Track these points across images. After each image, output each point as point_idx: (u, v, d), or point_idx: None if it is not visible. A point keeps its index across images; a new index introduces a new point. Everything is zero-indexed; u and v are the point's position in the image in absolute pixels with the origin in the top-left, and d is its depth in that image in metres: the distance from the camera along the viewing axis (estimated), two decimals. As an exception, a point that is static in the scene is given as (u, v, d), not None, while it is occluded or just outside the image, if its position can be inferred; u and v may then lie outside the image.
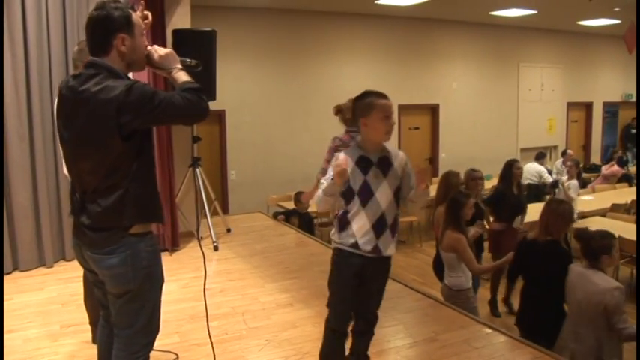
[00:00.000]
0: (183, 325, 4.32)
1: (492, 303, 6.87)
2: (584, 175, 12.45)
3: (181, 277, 5.43)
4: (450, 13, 11.74)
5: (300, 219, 8.07)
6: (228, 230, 7.28)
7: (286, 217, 8.15)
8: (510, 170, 7.34)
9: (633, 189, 11.24)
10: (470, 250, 4.85)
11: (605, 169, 12.07)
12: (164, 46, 6.12)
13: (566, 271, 4.19)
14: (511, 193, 7.13)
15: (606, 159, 13.84)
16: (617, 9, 10.81)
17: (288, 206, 8.66)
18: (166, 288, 5.11)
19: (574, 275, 4.10)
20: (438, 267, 5.57)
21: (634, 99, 16.63)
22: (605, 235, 4.12)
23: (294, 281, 5.43)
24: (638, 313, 3.04)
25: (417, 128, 12.38)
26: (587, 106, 15.63)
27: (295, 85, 10.67)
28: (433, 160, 12.65)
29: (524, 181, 10.84)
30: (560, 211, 4.43)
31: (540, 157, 11.27)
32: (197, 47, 6.40)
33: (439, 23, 12.30)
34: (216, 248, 6.45)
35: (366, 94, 3.15)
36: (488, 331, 4.34)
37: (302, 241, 7.08)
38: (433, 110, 12.55)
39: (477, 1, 10.26)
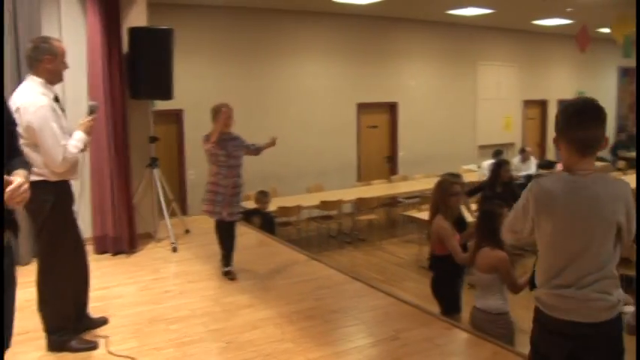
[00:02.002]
0: (141, 329, 4.25)
1: None
2: (541, 171, 12.64)
3: (140, 280, 5.35)
4: (408, 12, 11.79)
5: (261, 219, 8.02)
6: (187, 231, 7.19)
7: (247, 216, 8.09)
8: (498, 170, 7.44)
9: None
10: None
11: (560, 166, 12.27)
12: (119, 45, 6.07)
13: None
14: (492, 190, 7.22)
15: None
16: (569, 9, 10.98)
17: (249, 206, 8.59)
18: (124, 291, 5.07)
19: None
20: (438, 285, 4.98)
21: (587, 96, 16.90)
22: None
23: (255, 282, 5.39)
24: (638, 312, 2.99)
25: (375, 126, 12.40)
26: (543, 104, 15.87)
27: (254, 84, 10.59)
28: (392, 159, 12.69)
29: (482, 178, 10.98)
30: None
31: (498, 154, 11.38)
32: (154, 46, 6.32)
33: (397, 22, 12.35)
34: (174, 250, 6.37)
35: None
36: (450, 328, 4.36)
37: (263, 241, 7.04)
38: (392, 108, 12.59)
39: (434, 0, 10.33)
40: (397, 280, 8.11)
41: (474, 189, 8.23)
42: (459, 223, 4.94)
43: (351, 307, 4.83)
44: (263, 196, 8.26)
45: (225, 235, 5.55)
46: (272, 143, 5.79)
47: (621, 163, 15.70)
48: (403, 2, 10.43)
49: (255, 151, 5.71)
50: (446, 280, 4.82)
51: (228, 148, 5.37)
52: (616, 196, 2.78)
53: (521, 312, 4.15)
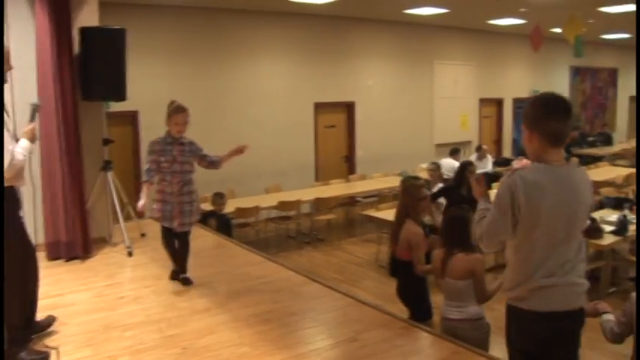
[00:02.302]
0: (95, 337, 4.16)
1: None
2: (497, 169, 12.80)
3: (94, 286, 5.24)
4: (365, 12, 11.82)
5: (217, 221, 7.94)
6: (143, 235, 7.07)
7: (203, 219, 8.00)
8: (463, 172, 7.43)
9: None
10: None
11: (516, 163, 12.42)
12: (70, 45, 5.93)
13: None
14: (457, 192, 7.21)
15: (517, 152, 14.28)
16: (523, 10, 11.14)
17: (206, 208, 8.50)
18: (77, 298, 4.96)
19: None
20: (407, 292, 4.93)
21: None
22: None
23: (211, 285, 5.33)
24: (638, 312, 3.02)
25: (333, 126, 12.41)
26: (499, 102, 16.10)
27: (211, 84, 10.50)
28: (350, 158, 12.72)
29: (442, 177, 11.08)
30: None
31: (455, 152, 11.52)
32: (106, 46, 6.20)
33: (354, 21, 12.38)
34: (130, 254, 6.26)
35: None
36: (409, 328, 4.37)
37: (219, 243, 6.97)
38: (349, 108, 12.61)
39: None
40: (356, 280, 8.12)
41: (438, 192, 8.16)
42: (423, 228, 4.92)
43: (310, 308, 4.82)
44: (219, 198, 8.19)
45: (179, 245, 5.28)
46: (239, 151, 5.32)
47: (574, 160, 15.96)
48: (360, 2, 10.45)
49: (214, 164, 5.29)
50: (415, 285, 4.79)
51: (172, 152, 5.06)
52: (587, 182, 2.99)
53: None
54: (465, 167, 7.92)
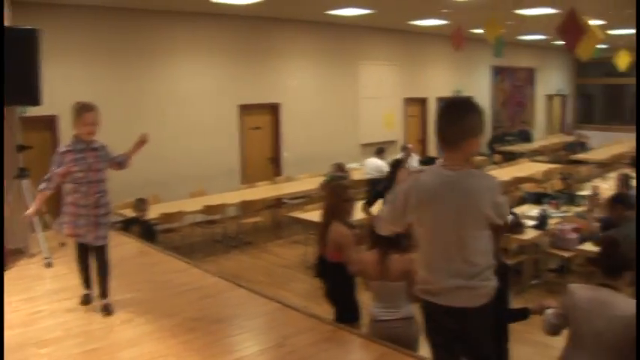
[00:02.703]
0: (7, 356, 3.96)
1: None
2: (423, 167, 13.02)
3: (9, 301, 5.01)
4: (288, 12, 11.80)
5: (140, 227, 7.76)
6: (63, 244, 6.81)
7: (126, 225, 7.81)
8: (395, 171, 7.37)
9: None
10: None
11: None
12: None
13: (506, 287, 3.88)
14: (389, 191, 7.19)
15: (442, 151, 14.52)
16: (445, 10, 11.35)
17: (128, 214, 8.30)
18: (-11, 315, 4.71)
19: (586, 300, 3.51)
20: (336, 294, 4.89)
21: (463, 94, 17.64)
22: (631, 243, 3.74)
23: (134, 295, 5.18)
24: (638, 312, 3.08)
25: (258, 128, 12.33)
26: (423, 102, 16.37)
27: (131, 86, 10.23)
28: (276, 160, 12.67)
29: (366, 176, 11.18)
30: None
31: (380, 151, 11.64)
32: (17, 47, 5.94)
33: (278, 22, 12.34)
34: (49, 265, 6.02)
35: None
36: (336, 331, 4.36)
37: (142, 251, 6.80)
38: (274, 109, 12.56)
39: (313, 0, 10.36)
40: (284, 282, 8.10)
41: (374, 196, 7.97)
42: (350, 229, 4.88)
43: (236, 315, 4.75)
44: (141, 204, 7.99)
45: (97, 262, 4.79)
46: (141, 142, 4.94)
47: (497, 157, 16.44)
48: (283, 2, 10.41)
49: (122, 164, 4.88)
50: (344, 287, 4.76)
51: (87, 160, 4.60)
52: (484, 189, 3.02)
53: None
54: (397, 165, 7.93)
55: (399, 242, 4.16)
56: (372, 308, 4.30)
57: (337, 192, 4.90)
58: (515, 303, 5.88)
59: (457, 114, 2.97)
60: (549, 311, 3.73)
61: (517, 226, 7.58)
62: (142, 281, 5.61)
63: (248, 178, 11.80)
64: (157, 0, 9.92)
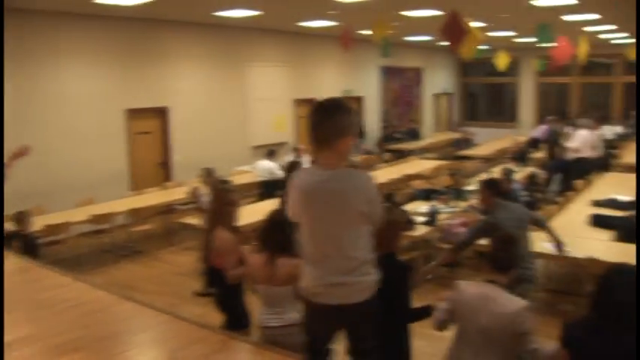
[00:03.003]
0: None
1: None
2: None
3: None
4: (174, 14, 11.53)
5: (22, 242, 7.31)
6: None
7: (6, 241, 7.33)
8: (292, 172, 7.26)
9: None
10: None
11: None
12: None
13: (407, 287, 3.90)
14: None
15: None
16: (333, 12, 11.43)
17: (8, 228, 7.81)
18: None
19: (472, 297, 3.62)
20: (224, 301, 4.89)
21: (353, 94, 17.91)
22: (515, 242, 3.83)
23: (13, 315, 4.83)
24: (638, 317, 3.10)
25: (146, 132, 11.99)
26: (359, 100, 16.48)
27: (9, 90, 9.57)
28: (166, 164, 12.36)
29: (257, 179, 11.10)
30: (394, 220, 3.98)
31: (271, 153, 11.57)
32: None
33: (165, 24, 12.05)
34: None
35: None
36: (227, 341, 4.25)
37: (22, 267, 6.39)
38: (163, 113, 12.25)
39: (199, 1, 10.16)
40: (178, 290, 7.91)
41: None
42: (235, 234, 4.83)
43: (123, 331, 4.55)
44: (22, 217, 7.52)
45: None
46: (20, 153, 4.73)
47: (387, 155, 16.78)
48: (170, 4, 10.16)
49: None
50: (233, 293, 4.70)
51: None
52: (357, 187, 3.08)
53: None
54: (294, 166, 7.90)
55: (288, 245, 4.12)
56: (259, 314, 4.26)
57: (220, 196, 4.82)
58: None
59: (328, 114, 3.03)
60: (439, 306, 3.80)
61: (408, 223, 7.73)
62: (21, 300, 5.26)
63: (137, 184, 11.45)
64: (39, 0, 9.43)
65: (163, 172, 12.29)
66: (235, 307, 4.68)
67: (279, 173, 11.12)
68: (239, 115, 13.92)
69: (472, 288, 3.66)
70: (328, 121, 3.01)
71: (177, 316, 4.75)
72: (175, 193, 10.74)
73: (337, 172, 3.05)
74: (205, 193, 8.13)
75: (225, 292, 4.69)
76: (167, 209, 10.78)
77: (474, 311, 3.54)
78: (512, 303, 3.47)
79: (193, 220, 8.65)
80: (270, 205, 9.27)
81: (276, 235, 4.20)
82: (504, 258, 3.67)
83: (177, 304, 7.42)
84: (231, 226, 4.73)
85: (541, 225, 6.12)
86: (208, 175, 8.41)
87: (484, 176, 10.99)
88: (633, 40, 16.52)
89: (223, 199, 4.76)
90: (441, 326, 3.78)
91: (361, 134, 17.82)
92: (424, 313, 4.02)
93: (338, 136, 2.99)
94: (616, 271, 3.20)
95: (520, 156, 13.96)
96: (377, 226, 3.29)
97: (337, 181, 3.04)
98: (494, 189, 6.27)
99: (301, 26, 13.82)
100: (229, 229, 4.67)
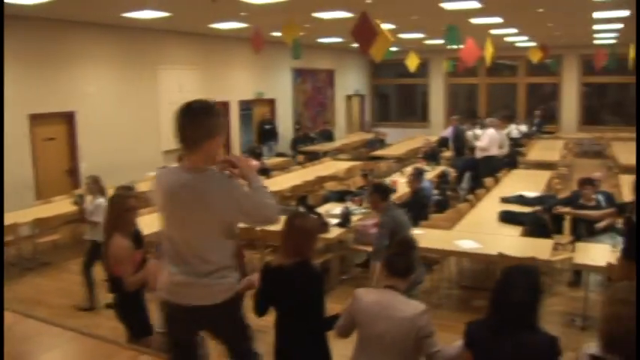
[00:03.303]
0: None
1: None
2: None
3: None
4: (80, 15, 11.14)
5: None
6: None
7: None
8: None
9: (272, 180, 11.95)
10: None
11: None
12: None
13: (321, 295, 3.82)
14: None
15: (244, 156, 14.39)
16: (243, 13, 11.32)
17: None
18: None
19: (371, 304, 3.59)
20: (126, 311, 4.74)
21: (265, 97, 17.84)
22: (413, 246, 3.83)
23: None
24: (638, 317, 3.06)
25: (52, 139, 11.51)
26: (225, 105, 16.24)
27: None
28: (73, 171, 11.90)
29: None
30: (308, 227, 3.86)
31: (182, 158, 11.32)
32: None
33: (71, 25, 11.60)
34: None
35: None
36: (136, 356, 4.08)
37: None
38: (69, 118, 11.79)
39: (106, 2, 9.85)
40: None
41: None
42: (137, 239, 4.73)
43: (22, 352, 4.27)
44: None
45: None
46: None
47: (300, 157, 16.80)
48: (75, 3, 9.80)
49: None
50: (132, 302, 4.60)
51: None
52: (221, 190, 3.12)
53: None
54: None
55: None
56: (158, 322, 4.19)
57: (117, 202, 4.70)
58: (327, 301, 5.94)
59: (197, 116, 3.09)
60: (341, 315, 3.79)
61: (322, 225, 7.74)
62: None
63: (43, 193, 10.96)
64: None
65: (71, 180, 11.83)
66: (134, 314, 4.59)
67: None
68: (150, 119, 13.58)
69: (370, 295, 3.65)
70: (197, 123, 3.07)
71: (84, 332, 4.53)
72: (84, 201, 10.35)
73: (202, 176, 3.11)
74: (90, 202, 7.91)
75: (124, 300, 4.59)
76: (76, 218, 10.37)
77: (372, 318, 3.53)
78: (411, 307, 3.48)
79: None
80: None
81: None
82: (403, 263, 3.65)
83: (87, 318, 7.18)
84: (129, 232, 4.61)
85: None
86: (94, 182, 8.13)
87: (397, 176, 11.18)
88: (534, 44, 17.21)
89: (121, 205, 4.62)
90: (343, 334, 3.77)
91: (274, 136, 17.80)
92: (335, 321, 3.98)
93: (206, 138, 3.07)
94: (512, 272, 3.25)
95: (432, 155, 14.26)
96: (256, 220, 3.42)
97: (201, 183, 3.09)
98: (382, 193, 6.53)
99: (212, 28, 13.64)
100: (127, 236, 4.55)
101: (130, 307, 4.62)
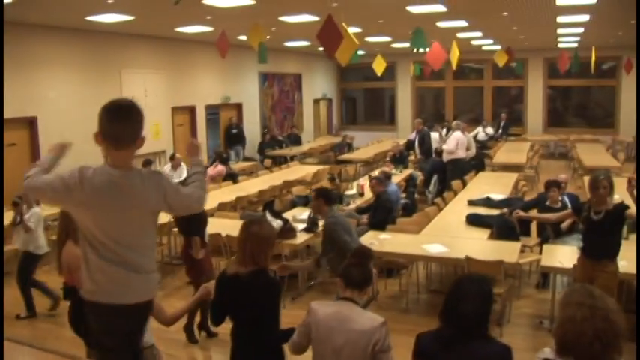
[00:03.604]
0: None
1: (188, 329, 6.50)
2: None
3: None
4: (42, 17, 10.93)
5: None
6: None
7: None
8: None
9: (238, 185, 11.87)
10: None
11: (210, 170, 12.49)
12: None
13: (277, 306, 3.71)
14: None
15: (212, 160, 14.26)
16: (209, 17, 11.23)
17: None
18: None
19: (327, 317, 3.46)
20: (79, 321, 4.47)
21: (232, 101, 17.72)
22: (370, 257, 3.77)
23: None
24: (638, 317, 2.98)
25: (13, 144, 11.26)
26: (191, 110, 16.12)
27: None
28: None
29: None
30: (264, 234, 3.75)
31: (148, 163, 11.19)
32: None
33: (32, 28, 11.36)
34: None
35: None
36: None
37: None
38: (31, 123, 11.56)
39: (69, 4, 9.67)
40: (52, 314, 7.45)
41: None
42: None
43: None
44: None
45: None
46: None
47: (267, 162, 16.73)
48: (36, 6, 9.61)
49: None
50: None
51: None
52: (151, 187, 3.14)
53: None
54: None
55: None
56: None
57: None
58: (295, 308, 5.92)
59: (130, 114, 3.10)
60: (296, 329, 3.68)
61: (289, 231, 7.68)
62: None
63: (6, 200, 10.71)
64: None
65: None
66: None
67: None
68: (114, 123, 13.36)
69: (326, 308, 3.54)
70: (131, 121, 3.09)
71: (39, 347, 4.38)
72: (45, 209, 10.13)
73: (132, 173, 3.13)
74: (25, 210, 7.79)
75: (79, 311, 4.46)
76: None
77: (329, 332, 3.43)
78: (369, 320, 3.39)
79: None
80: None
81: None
82: (360, 274, 3.56)
83: (50, 330, 7.03)
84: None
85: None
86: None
87: (364, 180, 11.16)
88: (499, 47, 17.38)
89: None
90: (298, 349, 3.64)
91: (241, 141, 17.69)
92: (291, 334, 3.83)
93: (137, 136, 3.10)
94: (463, 281, 3.20)
95: (399, 159, 14.28)
96: (185, 213, 3.52)
97: (132, 181, 3.10)
98: (327, 198, 6.62)
99: (178, 32, 13.50)
100: (77, 243, 4.45)
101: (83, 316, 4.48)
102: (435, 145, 14.62)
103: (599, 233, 5.63)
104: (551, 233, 7.93)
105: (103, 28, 12.30)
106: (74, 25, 11.96)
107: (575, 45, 18.33)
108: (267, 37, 11.32)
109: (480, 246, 7.29)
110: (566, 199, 8.20)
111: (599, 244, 5.65)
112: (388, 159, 14.63)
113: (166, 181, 3.25)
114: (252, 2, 9.61)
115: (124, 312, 3.14)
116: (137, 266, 3.13)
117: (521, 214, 7.17)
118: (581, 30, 14.85)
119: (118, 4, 9.63)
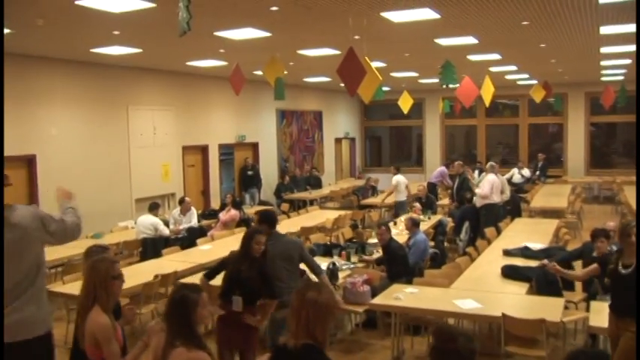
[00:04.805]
0: None
1: None
2: (204, 222, 12.61)
3: None
4: (44, 49, 10.98)
5: None
6: None
7: None
8: (249, 242, 5.82)
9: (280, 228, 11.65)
10: None
11: (222, 215, 12.33)
12: None
13: None
14: (237, 269, 5.70)
15: (223, 204, 14.02)
16: (222, 50, 11.20)
17: None
18: None
19: None
20: None
21: (247, 140, 17.65)
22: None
23: None
24: (638, 324, 2.77)
25: (9, 184, 11.17)
26: (203, 150, 16.04)
27: None
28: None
29: (139, 236, 10.51)
30: (323, 302, 3.36)
31: (154, 207, 11.05)
32: None
33: (33, 60, 11.41)
34: None
35: None
36: None
37: None
38: (30, 162, 11.52)
39: (73, 35, 9.67)
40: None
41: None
42: (116, 311, 4.20)
43: None
44: None
45: None
46: None
47: (285, 206, 16.57)
48: (38, 37, 9.64)
49: None
50: None
51: None
52: (28, 219, 3.77)
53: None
54: (251, 237, 6.68)
55: (188, 332, 3.56)
56: None
57: (102, 268, 4.01)
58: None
59: None
60: None
61: (332, 277, 7.54)
62: None
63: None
64: None
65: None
66: None
67: (164, 229, 10.64)
68: (120, 163, 13.33)
69: None
70: None
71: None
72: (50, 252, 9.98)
73: (7, 207, 3.70)
74: None
75: None
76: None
77: None
78: None
79: (61, 287, 8.03)
80: (153, 266, 8.80)
81: (176, 315, 3.63)
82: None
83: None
84: (111, 306, 4.06)
85: (316, 272, 6.59)
86: None
87: (391, 226, 10.88)
88: (535, 81, 17.21)
89: (106, 271, 3.99)
90: None
91: (257, 183, 17.56)
92: None
93: None
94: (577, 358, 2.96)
95: (428, 203, 13.94)
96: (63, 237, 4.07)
97: (9, 216, 3.77)
98: (269, 221, 6.54)
99: (189, 66, 13.51)
100: (108, 311, 4.01)
101: None
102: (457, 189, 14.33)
103: (627, 289, 5.33)
104: (599, 288, 7.57)
105: (109, 61, 12.33)
106: (78, 58, 12.00)
107: (622, 78, 18.10)
108: (285, 72, 11.23)
109: (517, 302, 6.99)
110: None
111: (625, 300, 5.34)
112: (417, 204, 14.34)
113: (42, 212, 3.92)
114: (269, 34, 9.56)
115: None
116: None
117: (556, 266, 6.81)
118: (627, 61, 14.64)
119: (125, 36, 9.63)
